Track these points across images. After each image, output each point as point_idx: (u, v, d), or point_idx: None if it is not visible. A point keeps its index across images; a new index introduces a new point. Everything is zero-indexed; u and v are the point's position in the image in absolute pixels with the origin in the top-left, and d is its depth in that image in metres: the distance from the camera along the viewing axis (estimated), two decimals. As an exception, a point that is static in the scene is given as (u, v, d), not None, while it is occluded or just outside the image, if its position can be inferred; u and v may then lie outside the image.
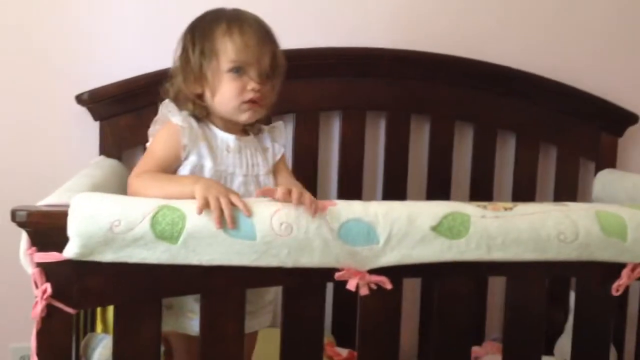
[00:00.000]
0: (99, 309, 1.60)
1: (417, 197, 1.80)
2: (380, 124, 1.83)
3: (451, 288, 1.17)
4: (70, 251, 1.04)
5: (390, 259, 1.11)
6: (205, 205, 1.06)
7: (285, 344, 1.14)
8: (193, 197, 1.08)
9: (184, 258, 1.06)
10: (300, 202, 1.09)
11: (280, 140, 1.37)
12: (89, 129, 1.68)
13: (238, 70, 1.26)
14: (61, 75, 1.70)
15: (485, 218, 1.13)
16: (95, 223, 1.03)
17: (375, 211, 1.11)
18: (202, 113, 1.30)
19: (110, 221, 1.04)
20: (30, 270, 1.06)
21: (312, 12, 1.79)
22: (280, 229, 1.07)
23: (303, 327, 1.14)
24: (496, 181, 1.85)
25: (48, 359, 1.07)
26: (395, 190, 1.79)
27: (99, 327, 1.61)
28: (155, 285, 1.09)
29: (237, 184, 1.27)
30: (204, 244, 1.06)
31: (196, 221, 1.06)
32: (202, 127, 1.29)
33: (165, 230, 1.05)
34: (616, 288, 1.19)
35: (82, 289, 1.06)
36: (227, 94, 1.26)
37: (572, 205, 1.21)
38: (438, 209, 1.13)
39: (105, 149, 1.67)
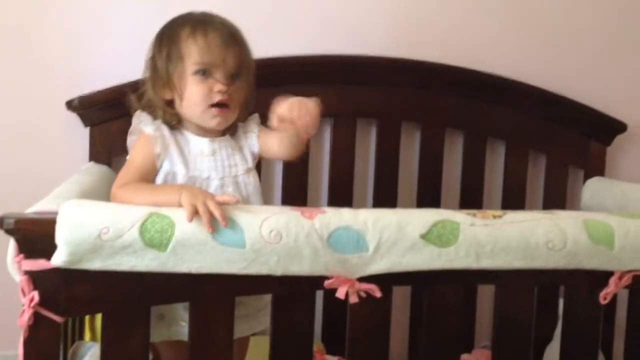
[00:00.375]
0: (87, 317, 1.59)
1: (407, 205, 1.80)
2: (371, 132, 1.83)
3: (440, 296, 1.17)
4: (59, 259, 1.03)
5: (379, 266, 1.11)
6: (195, 213, 1.06)
7: (275, 351, 1.14)
8: (179, 206, 1.08)
9: (173, 266, 1.06)
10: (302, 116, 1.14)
11: (254, 128, 1.36)
12: (79, 135, 1.68)
13: (204, 72, 1.26)
14: (51, 81, 1.69)
15: (475, 226, 1.13)
16: (84, 230, 1.03)
17: (365, 219, 1.11)
18: (173, 120, 1.30)
19: (99, 228, 1.03)
20: (18, 277, 1.05)
21: (304, 20, 1.79)
22: (269, 237, 1.07)
23: (293, 335, 1.14)
24: (486, 189, 1.86)
25: (35, 367, 1.06)
26: (385, 197, 1.79)
27: (87, 335, 1.60)
28: (144, 293, 1.08)
29: (213, 187, 1.28)
30: (192, 251, 1.05)
31: (185, 229, 1.06)
32: (174, 134, 1.30)
33: (154, 237, 1.04)
34: (604, 296, 1.19)
35: (70, 297, 1.05)
36: (193, 97, 1.27)
37: (560, 213, 1.21)
38: (427, 216, 1.13)
39: (95, 155, 1.66)
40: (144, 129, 1.29)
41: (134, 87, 1.62)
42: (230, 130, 1.35)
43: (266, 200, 1.42)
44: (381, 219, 1.11)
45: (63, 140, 1.71)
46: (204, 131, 1.31)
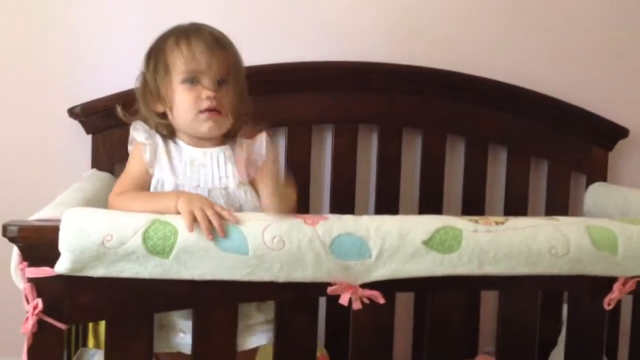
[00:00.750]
0: (90, 324, 1.59)
1: (409, 211, 1.80)
2: (373, 138, 1.83)
3: (444, 302, 1.17)
4: (62, 266, 1.04)
5: (382, 273, 1.11)
6: (193, 220, 1.06)
7: (279, 358, 1.14)
8: (177, 213, 1.08)
9: (175, 273, 1.06)
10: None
11: (261, 155, 1.30)
12: (81, 142, 1.68)
13: (192, 80, 1.26)
14: (53, 88, 1.70)
15: (477, 232, 1.13)
16: (87, 238, 1.03)
17: (367, 225, 1.11)
18: (167, 131, 1.31)
19: (102, 236, 1.03)
20: (22, 285, 1.05)
21: (305, 27, 1.80)
22: (272, 243, 1.07)
23: (296, 341, 1.14)
24: (488, 195, 1.86)
25: (40, 375, 1.06)
26: (387, 203, 1.79)
27: (90, 342, 1.60)
28: (147, 300, 1.08)
29: None
30: (195, 258, 1.06)
31: (188, 236, 1.06)
32: (167, 142, 1.31)
33: (157, 244, 1.04)
34: (608, 302, 1.19)
35: (74, 304, 1.06)
36: (182, 105, 1.27)
37: (563, 219, 1.21)
38: (430, 223, 1.13)
39: (97, 163, 1.67)
40: (136, 137, 1.30)
41: (135, 94, 1.63)
42: (230, 140, 1.34)
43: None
44: (383, 225, 1.11)
45: (65, 147, 1.71)
46: (198, 141, 1.31)
